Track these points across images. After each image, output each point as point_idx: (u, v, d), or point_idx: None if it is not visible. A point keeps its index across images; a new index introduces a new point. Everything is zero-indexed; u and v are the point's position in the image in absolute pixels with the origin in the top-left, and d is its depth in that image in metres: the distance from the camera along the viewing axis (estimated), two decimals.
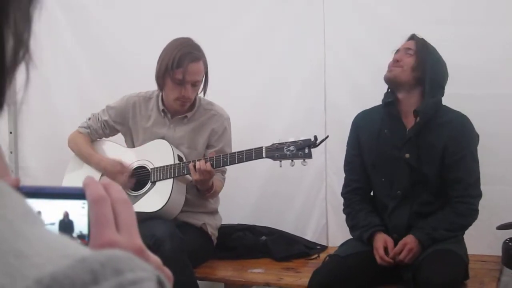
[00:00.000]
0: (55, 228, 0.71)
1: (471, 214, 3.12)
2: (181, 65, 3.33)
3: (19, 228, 0.50)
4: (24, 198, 0.55)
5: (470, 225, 3.15)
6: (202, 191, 3.42)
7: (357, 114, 3.39)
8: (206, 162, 3.25)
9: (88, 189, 0.68)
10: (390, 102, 3.19)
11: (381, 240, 3.09)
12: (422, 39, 3.22)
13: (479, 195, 3.13)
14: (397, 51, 3.25)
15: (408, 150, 3.11)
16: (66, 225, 0.71)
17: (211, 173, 3.27)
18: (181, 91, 3.38)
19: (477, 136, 3.17)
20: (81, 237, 0.71)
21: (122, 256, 0.50)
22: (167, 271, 0.67)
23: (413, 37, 3.24)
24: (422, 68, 3.14)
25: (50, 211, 0.71)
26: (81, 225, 0.71)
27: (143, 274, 0.50)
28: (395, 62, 3.19)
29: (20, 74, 0.58)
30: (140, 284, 0.49)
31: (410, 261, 3.00)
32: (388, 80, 3.21)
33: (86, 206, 0.69)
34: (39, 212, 0.69)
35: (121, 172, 3.46)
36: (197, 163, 3.24)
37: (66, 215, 0.72)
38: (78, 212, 0.71)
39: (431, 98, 3.12)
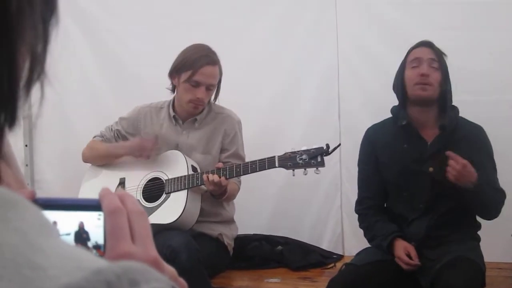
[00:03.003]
0: (71, 238, 0.71)
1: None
2: (198, 66, 3.34)
3: (35, 240, 0.50)
4: (40, 210, 0.55)
5: (498, 210, 3.07)
6: (216, 196, 3.41)
7: (368, 129, 3.33)
8: (219, 176, 3.24)
9: (104, 200, 0.68)
10: (407, 123, 3.15)
11: (401, 247, 3.07)
12: (438, 48, 3.15)
13: (502, 190, 3.09)
14: (415, 59, 3.14)
15: (432, 164, 3.07)
16: (81, 236, 0.71)
17: (224, 184, 3.27)
18: (196, 93, 3.39)
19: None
20: (96, 247, 0.71)
21: (137, 267, 0.51)
22: (182, 281, 0.68)
23: (431, 46, 3.15)
24: (446, 82, 3.09)
25: (66, 222, 0.71)
26: (96, 236, 0.71)
27: (158, 285, 0.51)
28: (425, 78, 3.08)
29: (34, 88, 0.59)
30: None
31: (454, 177, 2.89)
32: (422, 99, 3.10)
33: (102, 217, 0.69)
34: (55, 223, 0.69)
35: (146, 150, 3.49)
36: (210, 176, 3.25)
37: (81, 226, 0.72)
38: (94, 224, 0.71)
39: (452, 110, 3.11)
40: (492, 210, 3.07)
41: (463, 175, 2.88)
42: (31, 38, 0.56)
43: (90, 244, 0.71)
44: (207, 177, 3.25)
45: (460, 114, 3.16)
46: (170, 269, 0.69)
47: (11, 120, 0.56)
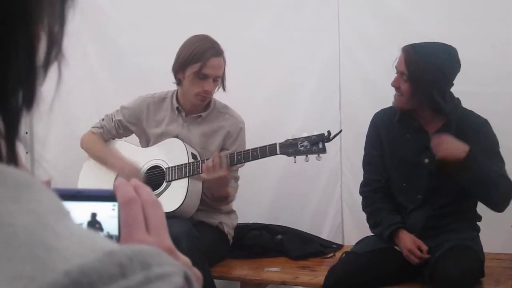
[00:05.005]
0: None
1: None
2: (204, 58, 3.33)
3: (49, 222, 0.50)
4: (55, 194, 0.55)
5: (504, 197, 3.04)
6: (216, 197, 3.40)
7: (376, 114, 3.33)
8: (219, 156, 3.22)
9: (118, 191, 0.68)
10: (407, 116, 3.15)
11: (411, 241, 3.06)
12: (412, 50, 3.05)
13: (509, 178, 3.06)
14: (395, 68, 3.13)
15: (428, 156, 3.06)
16: (94, 226, 0.72)
17: (224, 172, 3.24)
18: (203, 85, 3.38)
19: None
20: (109, 238, 0.71)
21: (150, 250, 0.51)
22: (197, 271, 0.68)
23: (407, 53, 3.07)
24: (421, 91, 3.03)
25: (79, 212, 0.71)
26: (110, 226, 0.72)
27: (170, 268, 0.51)
28: (396, 89, 3.11)
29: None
30: (167, 278, 0.50)
31: (440, 152, 2.92)
32: (396, 109, 3.16)
33: (116, 208, 0.69)
34: (68, 211, 0.70)
35: (135, 176, 3.46)
36: (209, 160, 3.23)
37: (94, 216, 0.72)
38: (108, 214, 0.71)
39: (452, 103, 3.08)
40: (498, 195, 3.01)
41: (449, 148, 2.91)
42: (48, 17, 0.56)
43: (102, 234, 0.71)
44: (206, 165, 3.24)
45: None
46: (185, 259, 0.69)
47: (30, 101, 0.57)
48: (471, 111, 3.15)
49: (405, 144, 3.13)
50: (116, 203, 0.69)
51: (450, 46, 3.04)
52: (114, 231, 0.71)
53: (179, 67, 3.41)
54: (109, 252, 0.49)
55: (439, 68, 2.99)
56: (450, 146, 2.92)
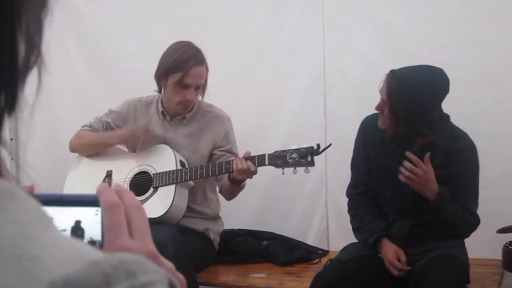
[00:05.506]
0: (67, 234, 0.72)
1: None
2: (185, 68, 3.32)
3: (33, 232, 0.50)
4: (39, 203, 0.55)
5: (469, 232, 3.10)
6: (237, 185, 3.34)
7: (366, 118, 3.29)
8: (246, 160, 3.17)
9: (101, 196, 0.68)
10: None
11: (392, 252, 3.06)
12: (392, 77, 2.99)
13: (476, 215, 3.08)
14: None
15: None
16: (77, 232, 0.72)
17: (253, 172, 3.18)
18: (185, 94, 3.38)
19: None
20: (91, 243, 0.71)
21: (134, 259, 0.51)
22: (181, 276, 0.68)
23: (389, 82, 3.00)
24: (401, 118, 2.98)
25: (62, 218, 0.71)
26: (93, 231, 0.71)
27: (155, 276, 0.51)
28: (380, 114, 3.08)
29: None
30: (151, 286, 0.50)
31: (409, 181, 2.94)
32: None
33: (99, 213, 0.69)
34: (51, 219, 0.69)
35: (137, 136, 3.51)
36: (244, 163, 3.16)
37: (77, 222, 0.72)
38: (91, 219, 0.71)
39: (439, 123, 3.04)
40: (460, 229, 3.07)
41: (421, 184, 2.92)
42: (27, 21, 0.56)
43: (85, 240, 0.72)
44: (240, 162, 3.17)
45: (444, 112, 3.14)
46: (169, 264, 0.69)
47: (11, 104, 0.57)
48: (461, 130, 3.09)
49: (390, 153, 3.11)
50: (99, 208, 0.69)
51: (434, 70, 2.96)
52: (98, 236, 0.71)
53: (162, 75, 3.41)
54: (94, 261, 0.49)
55: (419, 96, 2.91)
56: (423, 183, 2.93)
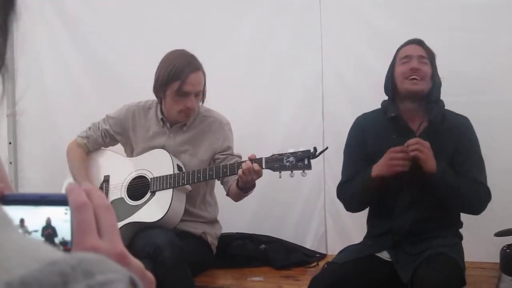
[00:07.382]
0: (38, 235, 0.71)
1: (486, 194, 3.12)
2: (182, 76, 3.32)
3: None
4: (0, 204, 0.55)
5: (481, 204, 3.12)
6: (245, 189, 3.31)
7: (359, 117, 3.34)
8: (252, 163, 3.16)
9: (70, 195, 0.68)
10: (396, 116, 3.18)
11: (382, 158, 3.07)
12: (427, 46, 3.22)
13: (486, 185, 3.13)
14: (405, 56, 3.19)
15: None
16: (48, 232, 0.71)
17: (259, 174, 3.18)
18: (185, 102, 3.38)
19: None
20: (63, 243, 0.71)
21: (93, 258, 0.51)
22: (150, 276, 0.68)
23: (421, 43, 3.21)
24: (436, 77, 3.16)
25: (33, 218, 0.71)
26: (63, 231, 0.71)
27: (113, 275, 0.51)
28: (415, 72, 3.13)
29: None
30: (109, 285, 0.50)
31: (416, 154, 2.96)
32: (413, 93, 3.14)
33: (69, 212, 0.69)
34: (22, 220, 0.70)
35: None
36: (251, 165, 3.15)
37: (48, 221, 0.72)
38: (61, 218, 0.71)
39: (437, 104, 3.15)
40: (472, 205, 3.11)
41: (423, 156, 2.95)
42: None
43: (57, 240, 0.71)
44: (250, 163, 3.16)
45: None
46: (137, 263, 0.68)
47: None
48: (452, 111, 3.22)
49: (391, 144, 3.12)
50: (68, 207, 0.69)
51: None
52: (68, 236, 0.70)
53: (160, 88, 3.41)
54: (52, 261, 0.49)
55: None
56: (424, 156, 2.96)
